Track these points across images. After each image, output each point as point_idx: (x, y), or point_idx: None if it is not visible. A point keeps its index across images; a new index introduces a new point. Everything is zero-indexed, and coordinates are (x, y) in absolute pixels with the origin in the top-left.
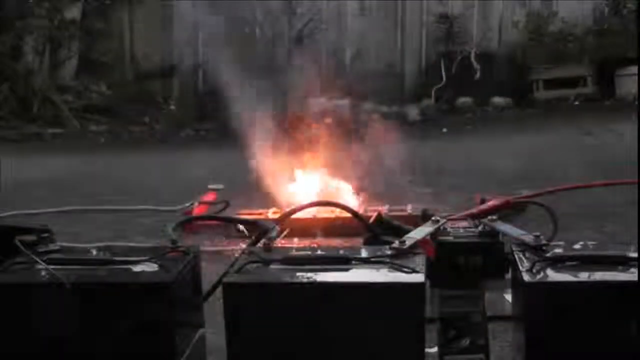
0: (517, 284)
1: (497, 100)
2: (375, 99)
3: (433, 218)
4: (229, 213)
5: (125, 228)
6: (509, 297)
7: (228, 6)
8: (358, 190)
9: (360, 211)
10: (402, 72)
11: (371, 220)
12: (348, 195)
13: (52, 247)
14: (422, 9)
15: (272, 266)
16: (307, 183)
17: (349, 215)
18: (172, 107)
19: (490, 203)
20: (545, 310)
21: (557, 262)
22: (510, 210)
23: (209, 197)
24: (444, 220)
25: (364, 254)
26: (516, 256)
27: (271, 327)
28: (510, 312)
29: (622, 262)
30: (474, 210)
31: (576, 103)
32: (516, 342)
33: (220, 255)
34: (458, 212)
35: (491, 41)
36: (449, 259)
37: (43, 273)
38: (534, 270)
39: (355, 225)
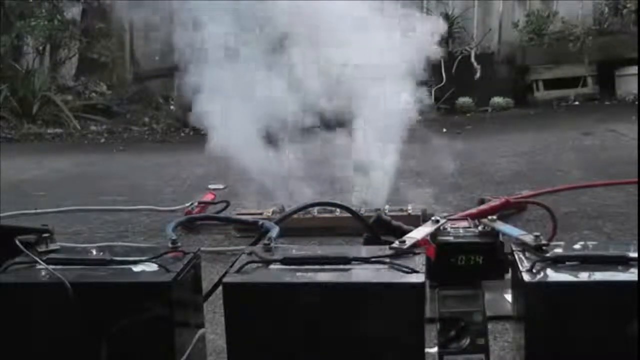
0: (517, 284)
1: (497, 100)
2: None
3: (433, 218)
4: (228, 212)
5: (125, 228)
6: (509, 297)
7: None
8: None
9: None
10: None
11: (371, 220)
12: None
13: (52, 247)
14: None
15: (272, 266)
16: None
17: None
18: (172, 107)
19: (490, 203)
20: (545, 310)
21: (557, 262)
22: (510, 210)
23: (209, 197)
24: (444, 220)
25: (364, 254)
26: (516, 256)
27: (271, 327)
28: (510, 312)
29: (622, 262)
30: (474, 210)
31: (576, 103)
32: (516, 342)
33: (220, 255)
34: (458, 212)
35: (491, 41)
36: (449, 259)
37: (43, 273)
38: (534, 270)
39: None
